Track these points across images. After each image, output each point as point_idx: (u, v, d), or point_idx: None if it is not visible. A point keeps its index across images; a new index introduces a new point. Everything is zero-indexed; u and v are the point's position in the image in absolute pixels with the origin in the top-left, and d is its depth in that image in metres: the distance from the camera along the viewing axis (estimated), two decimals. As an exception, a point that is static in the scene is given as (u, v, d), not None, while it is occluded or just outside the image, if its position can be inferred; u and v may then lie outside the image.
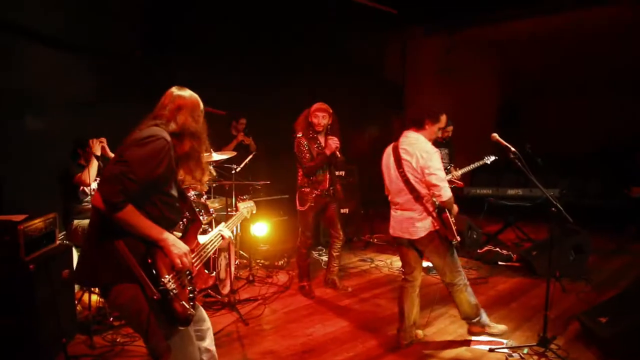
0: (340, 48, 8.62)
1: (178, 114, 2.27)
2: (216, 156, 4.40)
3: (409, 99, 10.67)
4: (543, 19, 8.39)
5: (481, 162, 5.62)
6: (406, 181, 3.39)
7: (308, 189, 4.56)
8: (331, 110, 4.57)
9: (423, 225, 3.42)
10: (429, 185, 3.36)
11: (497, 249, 6.12)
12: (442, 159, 5.62)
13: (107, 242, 2.06)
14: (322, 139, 4.59)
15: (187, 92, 2.37)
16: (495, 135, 3.80)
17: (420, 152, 3.36)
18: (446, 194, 3.34)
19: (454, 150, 5.90)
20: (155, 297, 2.03)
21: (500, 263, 5.70)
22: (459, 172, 5.49)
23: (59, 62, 5.18)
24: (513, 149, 3.63)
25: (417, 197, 3.38)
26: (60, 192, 4.32)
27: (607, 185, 8.01)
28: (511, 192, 6.42)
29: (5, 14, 4.64)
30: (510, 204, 6.56)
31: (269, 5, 7.00)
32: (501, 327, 3.77)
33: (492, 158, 5.60)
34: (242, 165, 5.35)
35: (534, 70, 10.30)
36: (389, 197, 3.61)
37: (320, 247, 6.34)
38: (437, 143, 5.71)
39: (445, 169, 5.69)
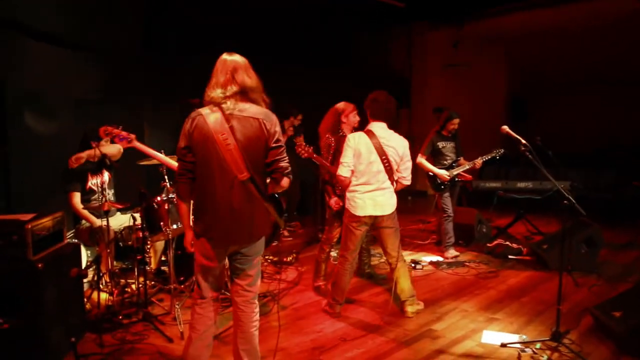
0: (345, 42, 8.56)
1: (236, 75, 2.60)
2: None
3: (415, 94, 10.59)
4: (552, 10, 8.19)
5: (490, 156, 5.57)
6: (387, 166, 3.82)
7: (330, 188, 4.50)
8: None
9: (393, 202, 3.91)
10: (405, 170, 3.89)
11: (508, 242, 6.06)
12: (448, 152, 5.63)
13: (264, 206, 2.65)
14: None
15: (237, 55, 2.68)
16: (506, 127, 3.77)
17: (401, 142, 3.87)
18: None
19: (460, 143, 5.81)
20: (286, 228, 2.59)
21: (510, 257, 5.64)
22: (480, 160, 5.55)
23: (64, 60, 5.19)
24: (524, 141, 3.58)
25: (392, 179, 3.89)
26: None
27: (618, 178, 7.90)
28: (521, 185, 6.34)
29: (12, 12, 4.64)
30: (520, 197, 6.49)
31: (271, 1, 6.95)
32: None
33: (502, 152, 5.56)
34: None
35: (542, 64, 10.19)
36: (362, 180, 3.82)
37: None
38: (443, 137, 5.68)
39: (453, 162, 5.64)
